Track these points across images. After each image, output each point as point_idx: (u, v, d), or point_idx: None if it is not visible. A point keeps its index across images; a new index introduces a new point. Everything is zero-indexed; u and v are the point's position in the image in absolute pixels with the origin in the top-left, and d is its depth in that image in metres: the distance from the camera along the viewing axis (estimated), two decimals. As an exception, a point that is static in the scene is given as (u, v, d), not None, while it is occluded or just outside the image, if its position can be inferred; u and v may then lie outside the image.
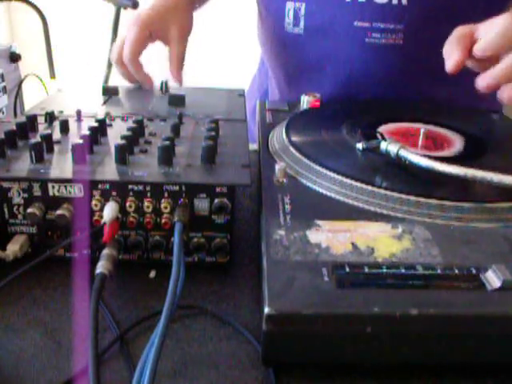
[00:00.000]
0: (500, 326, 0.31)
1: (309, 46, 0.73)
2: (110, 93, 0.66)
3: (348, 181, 0.44)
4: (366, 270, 0.34)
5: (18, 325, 0.37)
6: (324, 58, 0.73)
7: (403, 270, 0.34)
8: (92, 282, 0.35)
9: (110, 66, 1.57)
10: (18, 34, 2.25)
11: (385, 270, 0.34)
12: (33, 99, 0.65)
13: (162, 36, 0.69)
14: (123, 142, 0.43)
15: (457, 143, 0.54)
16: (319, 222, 0.39)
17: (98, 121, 0.49)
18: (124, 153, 0.42)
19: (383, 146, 0.47)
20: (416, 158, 0.44)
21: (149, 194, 0.40)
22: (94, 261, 0.38)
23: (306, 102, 0.67)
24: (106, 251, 0.38)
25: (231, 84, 0.74)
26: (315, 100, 0.66)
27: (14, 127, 0.47)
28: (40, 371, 0.33)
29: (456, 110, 0.56)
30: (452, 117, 0.59)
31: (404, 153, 0.45)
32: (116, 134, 0.49)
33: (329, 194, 0.44)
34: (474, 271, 0.34)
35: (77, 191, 0.40)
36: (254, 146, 0.64)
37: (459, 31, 0.53)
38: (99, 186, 0.40)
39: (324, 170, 0.45)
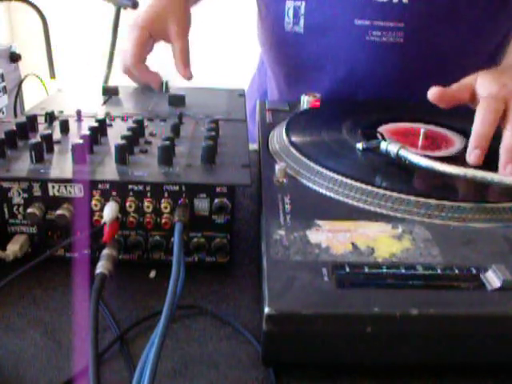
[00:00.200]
0: (500, 326, 0.31)
1: (309, 44, 0.73)
2: (110, 93, 0.66)
3: (348, 181, 0.44)
4: (366, 270, 0.34)
5: (17, 325, 0.37)
6: (324, 56, 0.73)
7: (403, 270, 0.34)
8: (92, 282, 0.35)
9: (110, 65, 1.57)
10: (18, 34, 2.25)
11: (385, 270, 0.34)
12: (33, 99, 0.65)
13: (162, 35, 0.69)
14: (123, 142, 0.43)
15: (457, 143, 0.54)
16: (319, 222, 0.39)
17: (98, 121, 0.49)
18: (124, 153, 0.42)
19: (383, 145, 0.47)
20: (416, 157, 0.44)
21: (149, 194, 0.40)
22: (94, 261, 0.38)
23: (306, 101, 0.67)
24: (106, 251, 0.38)
25: (231, 84, 0.74)
26: (315, 100, 0.67)
27: (14, 127, 0.47)
28: (40, 371, 0.33)
29: (456, 110, 0.56)
30: (452, 117, 0.59)
31: (404, 153, 0.45)
32: (116, 133, 0.49)
33: (329, 193, 0.44)
34: (474, 271, 0.34)
35: (77, 191, 0.40)
36: (253, 146, 0.64)
37: (462, 82, 0.53)
38: (99, 185, 0.40)
39: (324, 170, 0.45)
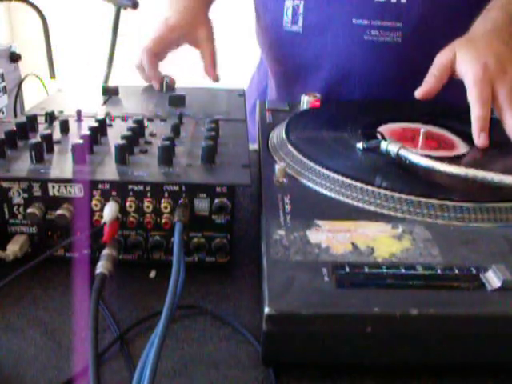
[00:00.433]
0: (500, 326, 0.31)
1: (307, 44, 0.74)
2: (110, 93, 0.66)
3: (348, 181, 0.44)
4: (366, 269, 0.34)
5: (17, 325, 0.37)
6: (322, 55, 0.74)
7: (403, 270, 0.34)
8: (92, 282, 0.35)
9: (110, 66, 1.57)
10: (18, 34, 2.25)
11: (385, 270, 0.34)
12: (33, 99, 0.65)
13: (191, 39, 0.71)
14: (123, 142, 0.43)
15: (457, 143, 0.54)
16: (319, 222, 0.39)
17: (98, 121, 0.49)
18: (124, 153, 0.42)
19: (383, 145, 0.47)
20: (416, 157, 0.44)
21: (149, 194, 0.40)
22: (94, 261, 0.38)
23: (306, 101, 0.67)
24: (106, 251, 0.38)
25: (230, 84, 0.74)
26: (315, 100, 0.67)
27: (14, 127, 0.47)
28: (40, 371, 0.33)
29: (456, 110, 0.56)
30: (452, 117, 0.59)
31: (404, 152, 0.45)
32: (116, 133, 0.49)
33: (329, 193, 0.44)
34: (474, 271, 0.34)
35: (77, 191, 0.40)
36: (253, 146, 0.64)
37: (440, 61, 0.56)
38: (99, 186, 0.40)
39: (324, 170, 0.45)
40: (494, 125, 0.53)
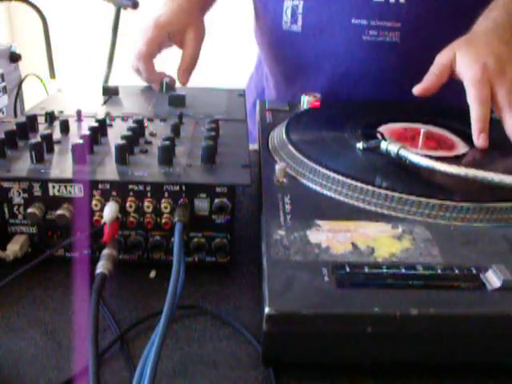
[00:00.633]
0: (500, 326, 0.31)
1: (306, 43, 0.74)
2: (110, 93, 0.66)
3: (348, 181, 0.44)
4: (366, 269, 0.34)
5: (17, 325, 0.37)
6: (321, 55, 0.74)
7: (403, 270, 0.34)
8: (92, 282, 0.35)
9: (110, 66, 1.57)
10: (18, 34, 2.25)
11: (385, 270, 0.34)
12: (33, 99, 0.65)
13: (178, 38, 0.70)
14: (123, 142, 0.43)
15: (457, 143, 0.54)
16: (319, 222, 0.39)
17: (98, 121, 0.49)
18: (124, 153, 0.42)
19: (383, 145, 0.47)
20: (416, 157, 0.44)
21: (149, 194, 0.40)
22: (94, 261, 0.38)
23: (306, 102, 0.67)
24: (106, 251, 0.38)
25: (229, 83, 0.74)
26: (315, 100, 0.67)
27: (14, 127, 0.47)
28: (40, 371, 0.33)
29: (456, 110, 0.56)
30: (452, 117, 0.59)
31: (404, 152, 0.45)
32: (116, 133, 0.49)
33: (329, 193, 0.44)
34: (474, 271, 0.34)
35: (77, 191, 0.40)
36: (253, 146, 0.64)
37: (440, 60, 0.56)
38: (99, 185, 0.40)
39: (324, 170, 0.45)
40: (494, 125, 0.53)
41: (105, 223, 0.39)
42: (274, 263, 0.34)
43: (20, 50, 0.84)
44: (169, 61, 0.73)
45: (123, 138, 0.44)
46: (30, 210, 0.40)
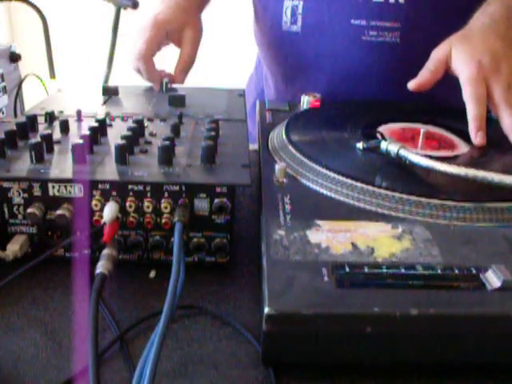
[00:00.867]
0: (500, 325, 0.31)
1: (306, 44, 0.74)
2: (109, 93, 0.66)
3: (348, 181, 0.44)
4: (366, 270, 0.34)
5: (17, 325, 0.37)
6: (321, 56, 0.74)
7: (403, 270, 0.34)
8: (92, 282, 0.35)
9: (110, 66, 1.57)
10: (18, 34, 2.25)
11: (385, 270, 0.34)
12: (33, 99, 0.65)
13: (175, 37, 0.70)
14: (123, 142, 0.43)
15: (457, 143, 0.54)
16: (319, 222, 0.39)
17: (98, 121, 0.49)
18: (124, 153, 0.42)
19: (383, 145, 0.47)
20: (416, 157, 0.44)
21: (149, 194, 0.40)
22: (94, 261, 0.38)
23: (306, 102, 0.67)
24: (105, 251, 0.38)
25: (228, 83, 0.74)
26: (315, 100, 0.67)
27: (14, 127, 0.47)
28: (40, 371, 0.33)
29: (456, 110, 0.56)
30: (452, 117, 0.59)
31: (404, 152, 0.45)
32: (116, 133, 0.49)
33: (329, 193, 0.44)
34: (474, 271, 0.34)
35: (77, 191, 0.40)
36: (252, 146, 0.64)
37: (436, 56, 0.56)
38: (99, 185, 0.40)
39: (324, 170, 0.45)
40: (494, 124, 0.53)
41: (105, 223, 0.39)
42: (273, 263, 0.34)
43: (20, 50, 0.84)
44: (167, 59, 0.73)
45: (123, 137, 0.44)
46: (29, 210, 0.40)
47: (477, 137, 0.51)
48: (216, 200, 0.40)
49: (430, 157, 0.45)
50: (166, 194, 0.40)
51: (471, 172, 0.41)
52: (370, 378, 0.33)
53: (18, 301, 0.39)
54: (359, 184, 0.43)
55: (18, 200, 0.41)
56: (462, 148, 0.53)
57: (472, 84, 0.52)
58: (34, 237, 0.42)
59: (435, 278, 0.33)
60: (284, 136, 0.54)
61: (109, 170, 0.41)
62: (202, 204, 0.41)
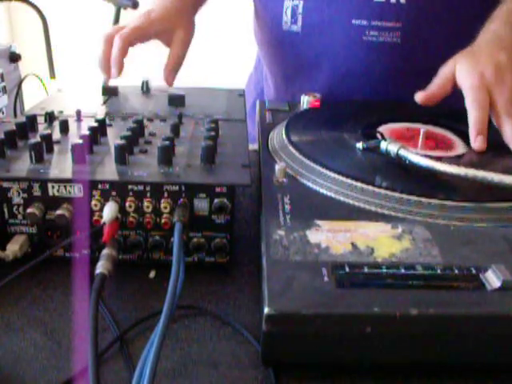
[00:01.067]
0: (500, 326, 0.31)
1: (306, 44, 0.74)
2: (110, 93, 0.66)
3: (348, 181, 0.44)
4: (366, 270, 0.34)
5: (17, 325, 0.37)
6: (321, 56, 0.74)
7: (403, 270, 0.34)
8: (92, 282, 0.35)
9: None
10: (18, 34, 2.25)
11: (385, 270, 0.34)
12: (33, 99, 0.65)
13: (166, 37, 0.69)
14: (123, 142, 0.43)
15: (457, 143, 0.54)
16: (319, 222, 0.39)
17: (97, 121, 0.49)
18: (124, 153, 0.42)
19: (383, 145, 0.47)
20: (416, 157, 0.44)
21: (148, 194, 0.40)
22: (93, 261, 0.38)
23: (306, 102, 0.67)
24: (105, 251, 0.38)
25: (228, 83, 0.74)
26: (315, 100, 0.67)
27: (14, 127, 0.47)
28: (40, 371, 0.33)
29: (456, 110, 0.56)
30: (452, 117, 0.59)
31: (404, 152, 0.45)
32: (116, 134, 0.49)
33: (329, 193, 0.44)
34: (473, 271, 0.34)
35: (76, 191, 0.40)
36: (252, 146, 0.64)
37: (443, 72, 0.56)
38: (99, 186, 0.40)
39: (324, 170, 0.45)
40: (494, 126, 0.53)
41: (104, 223, 0.39)
42: (273, 263, 0.34)
43: (20, 50, 0.84)
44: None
45: (123, 138, 0.44)
46: (29, 210, 0.40)
47: (476, 141, 0.51)
48: (216, 200, 0.40)
49: (430, 157, 0.45)
50: (165, 194, 0.40)
51: (471, 172, 0.41)
52: (369, 377, 0.33)
53: (17, 301, 0.39)
54: (359, 184, 0.43)
55: (17, 200, 0.41)
56: (462, 148, 0.53)
57: (474, 91, 0.52)
58: (34, 237, 0.42)
59: (435, 278, 0.33)
60: (284, 136, 0.54)
61: (108, 170, 0.41)
62: (201, 204, 0.41)
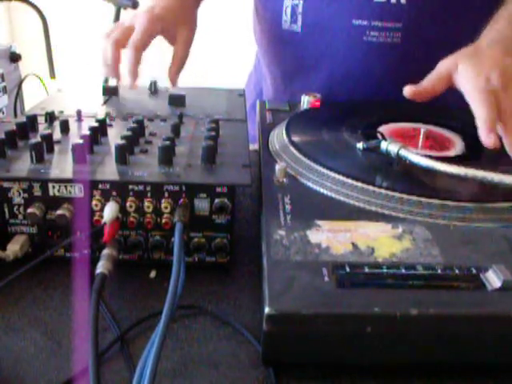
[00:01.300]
0: (500, 325, 0.31)
1: (306, 43, 0.74)
2: (110, 93, 0.66)
3: (348, 181, 0.44)
4: (367, 269, 0.34)
5: (18, 325, 0.37)
6: (321, 55, 0.73)
7: (403, 270, 0.34)
8: (92, 282, 0.35)
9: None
10: (18, 34, 2.25)
11: (385, 270, 0.34)
12: (33, 99, 0.65)
13: (169, 35, 0.68)
14: (123, 141, 0.43)
15: (457, 143, 0.54)
16: (319, 222, 0.39)
17: (98, 121, 0.49)
18: (124, 153, 0.42)
19: (383, 145, 0.47)
20: (416, 157, 0.44)
21: (149, 194, 0.40)
22: (94, 261, 0.38)
23: (306, 102, 0.67)
24: (106, 251, 0.38)
25: (227, 83, 0.74)
26: (315, 100, 0.67)
27: (14, 127, 0.47)
28: (40, 371, 0.33)
29: (456, 110, 0.56)
30: (452, 117, 0.59)
31: (404, 152, 0.45)
32: (116, 133, 0.49)
33: (329, 193, 0.44)
34: (474, 271, 0.34)
35: (77, 191, 0.40)
36: (252, 146, 0.64)
37: (439, 69, 0.55)
38: (99, 186, 0.40)
39: (324, 170, 0.45)
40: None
41: (105, 223, 0.39)
42: (274, 263, 0.34)
43: (20, 50, 0.84)
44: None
45: (123, 137, 0.44)
46: (30, 210, 0.40)
47: (488, 137, 0.47)
48: (216, 200, 0.40)
49: (430, 157, 0.45)
50: (166, 194, 0.40)
51: (471, 172, 0.41)
52: (369, 378, 0.33)
53: (18, 301, 0.39)
54: (359, 184, 0.43)
55: (18, 200, 0.41)
56: (462, 148, 0.53)
57: (482, 93, 0.49)
58: (35, 237, 0.42)
59: (435, 278, 0.33)
60: (284, 136, 0.54)
61: (109, 170, 0.41)
62: (202, 204, 0.41)
